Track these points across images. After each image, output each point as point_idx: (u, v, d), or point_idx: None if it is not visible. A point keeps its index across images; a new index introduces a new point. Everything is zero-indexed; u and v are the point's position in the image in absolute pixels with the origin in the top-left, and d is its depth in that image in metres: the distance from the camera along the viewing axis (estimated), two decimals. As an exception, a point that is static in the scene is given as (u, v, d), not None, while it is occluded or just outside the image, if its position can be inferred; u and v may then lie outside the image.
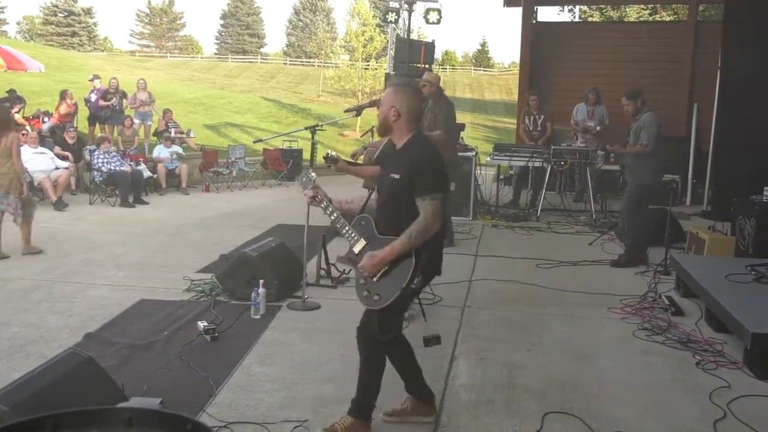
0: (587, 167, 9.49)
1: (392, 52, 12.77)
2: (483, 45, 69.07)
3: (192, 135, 14.72)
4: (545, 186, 9.75)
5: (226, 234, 7.95)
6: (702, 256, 6.40)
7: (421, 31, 32.44)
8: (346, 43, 36.20)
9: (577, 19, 24.08)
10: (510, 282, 6.03)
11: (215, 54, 60.80)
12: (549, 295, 5.66)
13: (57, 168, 10.02)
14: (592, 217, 9.18)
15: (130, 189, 10.31)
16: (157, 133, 13.58)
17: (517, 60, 15.63)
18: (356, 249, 3.10)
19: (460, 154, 8.43)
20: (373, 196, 3.33)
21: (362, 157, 5.65)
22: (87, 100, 13.35)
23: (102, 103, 12.95)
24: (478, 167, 9.40)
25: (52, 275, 5.93)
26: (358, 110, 5.82)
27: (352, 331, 4.63)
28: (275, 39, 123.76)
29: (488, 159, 10.61)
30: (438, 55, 43.84)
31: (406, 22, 12.72)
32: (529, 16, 13.64)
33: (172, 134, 12.97)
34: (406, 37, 12.37)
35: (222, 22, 63.84)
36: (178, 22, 65.12)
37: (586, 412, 3.43)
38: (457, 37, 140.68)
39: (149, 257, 6.74)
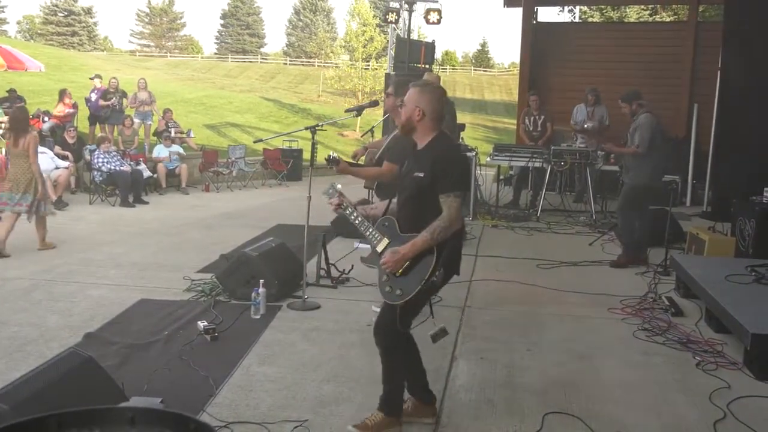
0: (587, 167, 9.49)
1: (392, 53, 12.78)
2: (483, 45, 69.24)
3: (192, 135, 14.73)
4: (545, 186, 9.75)
5: (226, 234, 7.95)
6: (702, 257, 6.41)
7: (421, 31, 32.58)
8: (347, 43, 36.16)
9: (577, 20, 24.07)
10: (510, 282, 6.03)
11: (215, 54, 60.81)
12: (549, 296, 5.66)
13: (57, 168, 10.03)
14: (592, 218, 9.19)
15: (130, 189, 10.32)
16: (157, 133, 13.59)
17: (517, 60, 15.65)
18: (379, 248, 3.14)
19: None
20: (395, 199, 3.37)
21: (363, 157, 5.65)
22: (87, 100, 13.35)
23: (102, 102, 12.95)
24: (478, 167, 9.41)
25: (52, 275, 5.93)
26: (359, 110, 5.82)
27: (351, 331, 4.66)
28: (275, 39, 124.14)
29: (488, 159, 10.61)
30: (438, 55, 43.87)
31: (407, 22, 12.73)
32: (529, 17, 13.64)
33: (172, 134, 12.98)
34: (406, 37, 12.39)
35: (222, 21, 63.87)
36: (178, 21, 65.12)
37: (586, 412, 3.43)
38: (458, 38, 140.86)
39: (149, 257, 6.74)
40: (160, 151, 12.07)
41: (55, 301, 5.16)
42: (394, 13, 12.51)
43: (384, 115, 7.89)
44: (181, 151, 12.46)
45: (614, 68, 12.87)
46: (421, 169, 3.04)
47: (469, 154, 9.15)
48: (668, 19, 24.13)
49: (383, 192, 4.87)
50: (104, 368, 3.33)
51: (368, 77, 31.15)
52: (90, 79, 13.91)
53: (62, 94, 12.83)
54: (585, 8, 26.23)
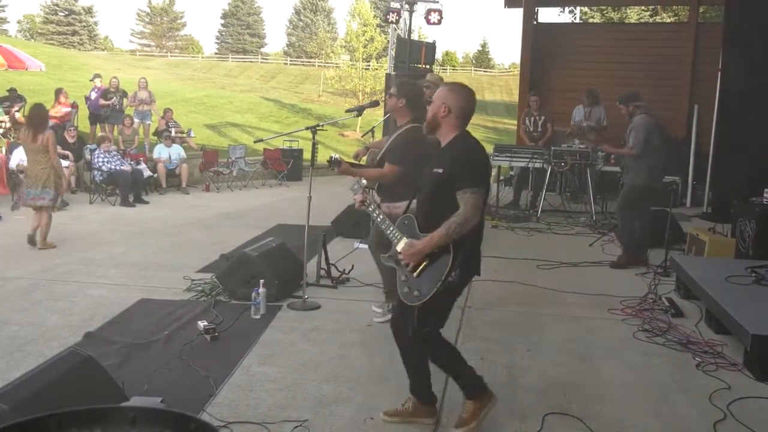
0: (587, 168, 9.49)
1: (393, 53, 12.77)
2: (483, 46, 69.22)
3: (192, 135, 14.73)
4: (545, 187, 9.75)
5: (226, 234, 7.95)
6: (702, 258, 6.41)
7: (421, 31, 32.53)
8: (347, 44, 36.13)
9: (577, 21, 24.08)
10: (510, 283, 6.03)
11: (216, 54, 60.80)
12: (549, 296, 5.66)
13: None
14: (593, 219, 9.18)
15: (131, 188, 10.33)
16: (157, 133, 13.58)
17: (518, 61, 15.64)
18: (399, 247, 3.14)
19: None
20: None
21: (365, 158, 5.64)
22: (87, 99, 13.36)
23: (102, 102, 12.95)
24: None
25: (52, 274, 5.93)
26: (359, 110, 5.82)
27: (352, 331, 4.66)
28: (276, 39, 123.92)
29: (488, 160, 10.58)
30: (438, 55, 43.82)
31: (407, 22, 12.72)
32: (529, 17, 13.63)
33: (173, 134, 12.97)
34: (406, 37, 12.37)
35: (222, 21, 63.84)
36: (179, 21, 65.09)
37: (586, 412, 3.43)
38: (458, 38, 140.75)
39: (149, 257, 6.74)
40: (161, 152, 12.07)
41: (55, 300, 5.16)
42: (395, 14, 12.50)
43: (385, 116, 7.89)
44: (182, 153, 12.43)
45: (615, 69, 12.86)
46: (441, 166, 3.05)
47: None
48: (669, 20, 24.12)
49: (384, 192, 4.86)
50: (104, 368, 3.33)
51: (369, 77, 31.13)
52: (90, 80, 13.90)
53: (58, 93, 12.83)
54: (585, 9, 26.24)
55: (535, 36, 13.70)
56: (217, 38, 64.49)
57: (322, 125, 5.33)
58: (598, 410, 3.49)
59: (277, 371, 3.89)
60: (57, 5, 57.42)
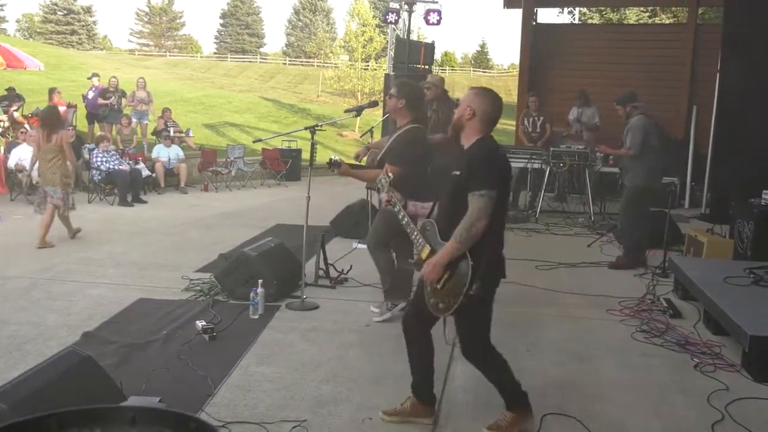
0: (586, 169, 9.49)
1: (392, 53, 12.77)
2: (482, 46, 69.20)
3: (191, 134, 14.72)
4: (544, 187, 9.75)
5: (225, 233, 7.95)
6: (700, 259, 6.41)
7: (420, 31, 32.56)
8: (346, 44, 36.17)
9: (576, 21, 24.10)
10: (508, 283, 5.96)
11: (214, 53, 60.77)
12: (547, 297, 5.66)
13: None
14: (591, 219, 9.19)
15: (129, 188, 10.32)
16: (156, 133, 13.57)
17: (517, 61, 15.67)
18: (423, 256, 3.14)
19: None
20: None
21: (365, 158, 5.65)
22: (84, 98, 13.34)
23: (101, 101, 12.93)
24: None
25: (51, 274, 5.92)
26: (358, 110, 5.82)
27: (350, 331, 4.66)
28: (275, 39, 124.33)
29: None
30: (437, 56, 43.87)
31: (406, 22, 12.71)
32: (528, 18, 13.65)
33: (171, 133, 12.96)
34: (405, 37, 12.38)
35: (221, 21, 63.82)
36: (178, 21, 65.04)
37: (585, 413, 3.43)
38: (457, 38, 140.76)
39: (148, 256, 6.73)
40: (160, 152, 12.06)
41: (53, 300, 5.16)
42: (394, 14, 12.50)
43: (384, 116, 7.89)
44: (180, 153, 12.42)
45: (613, 70, 12.88)
46: (460, 168, 3.07)
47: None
48: (668, 22, 24.17)
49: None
50: (103, 367, 3.33)
51: (367, 78, 31.16)
52: (88, 78, 13.89)
53: (51, 93, 12.81)
54: (584, 10, 26.30)
55: (534, 37, 13.71)
56: (216, 38, 64.56)
57: (321, 125, 5.33)
58: (596, 410, 3.49)
59: (276, 371, 3.89)
60: (56, 4, 57.38)
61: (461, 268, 2.94)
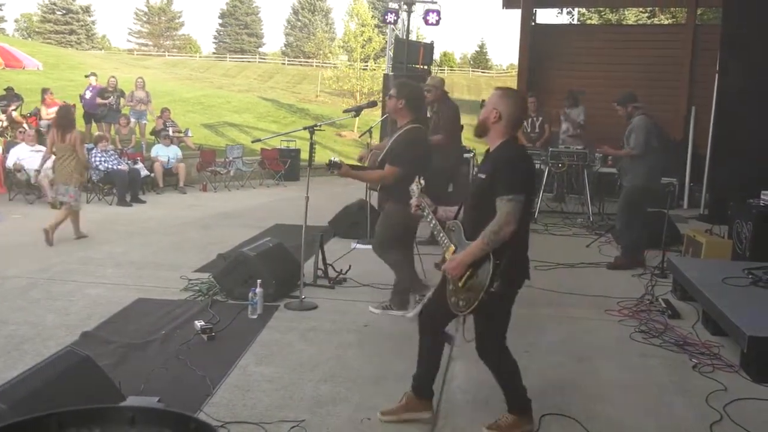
0: (584, 169, 9.50)
1: (391, 53, 12.76)
2: (481, 46, 69.10)
3: (190, 134, 14.71)
4: (543, 188, 9.75)
5: (224, 233, 7.94)
6: (699, 260, 6.42)
7: (419, 32, 32.58)
8: (345, 44, 36.17)
9: (575, 22, 24.12)
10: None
11: (213, 53, 60.75)
12: (546, 297, 5.66)
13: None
14: (590, 220, 9.19)
15: (128, 188, 10.31)
16: (154, 132, 13.56)
17: (516, 62, 15.65)
18: (447, 255, 3.14)
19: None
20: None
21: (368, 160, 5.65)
22: (82, 97, 13.32)
23: (99, 101, 12.92)
24: (475, 169, 9.40)
25: (49, 273, 5.92)
26: (357, 111, 5.82)
27: (349, 331, 4.66)
28: (274, 39, 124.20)
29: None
30: (436, 56, 43.85)
31: (405, 22, 12.70)
32: (527, 18, 13.65)
33: (170, 133, 12.96)
34: (404, 38, 12.37)
35: (220, 21, 63.79)
36: (177, 21, 65.02)
37: (583, 413, 3.44)
38: (456, 39, 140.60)
39: (147, 256, 6.73)
40: (159, 152, 12.05)
41: (52, 299, 5.15)
42: (393, 14, 12.49)
43: (383, 116, 7.89)
44: (179, 153, 12.40)
45: (612, 70, 12.89)
46: (485, 171, 3.06)
47: (466, 155, 9.15)
48: (666, 22, 24.20)
49: (385, 194, 4.88)
50: (101, 367, 3.32)
51: (366, 78, 31.13)
52: (85, 77, 13.87)
53: (43, 93, 12.77)
54: (583, 10, 26.31)
55: (533, 37, 13.72)
56: (215, 38, 64.53)
57: (320, 125, 5.32)
58: (596, 411, 3.50)
59: (274, 371, 3.89)
60: (55, 4, 57.31)
61: (484, 267, 2.95)
